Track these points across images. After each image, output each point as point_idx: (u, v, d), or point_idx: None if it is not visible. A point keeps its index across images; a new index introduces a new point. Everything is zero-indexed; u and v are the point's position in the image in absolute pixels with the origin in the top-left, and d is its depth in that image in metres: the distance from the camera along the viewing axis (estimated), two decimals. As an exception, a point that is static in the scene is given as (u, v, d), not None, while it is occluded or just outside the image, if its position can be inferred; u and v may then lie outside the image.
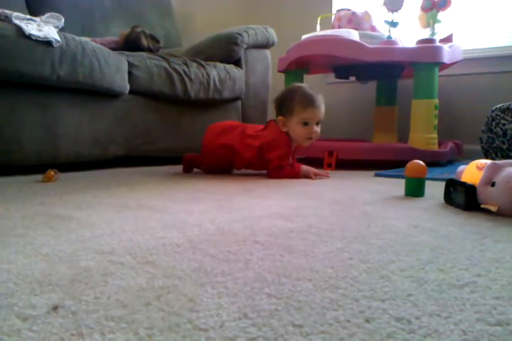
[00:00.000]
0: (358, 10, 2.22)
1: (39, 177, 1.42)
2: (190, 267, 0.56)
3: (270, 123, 1.63)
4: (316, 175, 1.55)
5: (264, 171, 1.63)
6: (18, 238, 0.70)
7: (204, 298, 0.47)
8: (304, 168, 1.57)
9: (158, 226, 0.79)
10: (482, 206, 0.95)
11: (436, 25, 2.03)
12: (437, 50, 1.89)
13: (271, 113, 2.46)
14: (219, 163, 1.72)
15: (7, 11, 1.59)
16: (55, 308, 0.44)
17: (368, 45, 1.89)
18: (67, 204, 1.00)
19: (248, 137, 1.61)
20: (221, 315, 0.42)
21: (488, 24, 2.39)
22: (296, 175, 1.55)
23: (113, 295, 0.47)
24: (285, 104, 1.58)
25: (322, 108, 1.57)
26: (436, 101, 1.93)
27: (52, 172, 1.40)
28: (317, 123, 1.56)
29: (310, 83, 2.43)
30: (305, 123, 1.54)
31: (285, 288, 0.49)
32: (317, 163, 1.83)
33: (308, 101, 1.54)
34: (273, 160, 1.57)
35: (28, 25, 1.52)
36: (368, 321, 0.41)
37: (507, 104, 1.73)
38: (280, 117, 1.58)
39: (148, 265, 0.57)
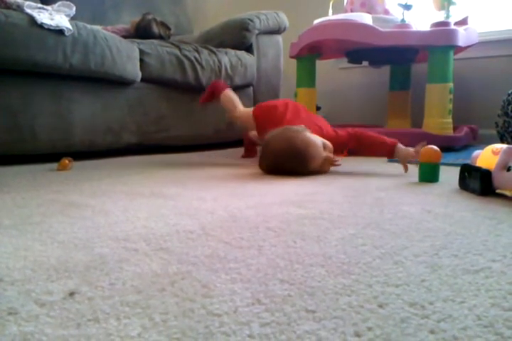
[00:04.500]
0: (371, -7, 2.18)
1: (53, 165, 1.43)
2: (203, 253, 0.57)
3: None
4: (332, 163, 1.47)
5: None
6: (35, 225, 0.71)
7: (218, 283, 0.47)
8: None
9: (172, 213, 0.80)
10: (498, 191, 0.94)
11: (451, 8, 1.98)
12: (452, 33, 1.85)
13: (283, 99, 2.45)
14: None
15: (19, 0, 1.59)
16: (72, 294, 0.44)
17: (381, 29, 1.86)
18: (82, 192, 1.01)
19: None
20: (235, 301, 0.43)
21: (504, 6, 2.33)
22: None
23: (128, 281, 0.48)
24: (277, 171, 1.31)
25: (311, 156, 1.27)
26: (451, 85, 1.90)
27: (67, 161, 1.42)
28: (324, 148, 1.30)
29: (322, 68, 2.41)
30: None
31: (298, 274, 0.49)
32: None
33: (302, 165, 1.27)
34: None
35: (40, 14, 1.53)
36: (381, 306, 0.41)
37: (524, 87, 1.69)
38: None
39: (163, 251, 0.58)
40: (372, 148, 1.41)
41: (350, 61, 2.32)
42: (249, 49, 2.32)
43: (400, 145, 1.34)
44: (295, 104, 1.64)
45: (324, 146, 1.31)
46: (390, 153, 1.37)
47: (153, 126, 1.95)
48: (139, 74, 1.85)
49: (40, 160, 1.60)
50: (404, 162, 1.32)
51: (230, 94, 1.70)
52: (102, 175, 1.29)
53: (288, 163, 1.28)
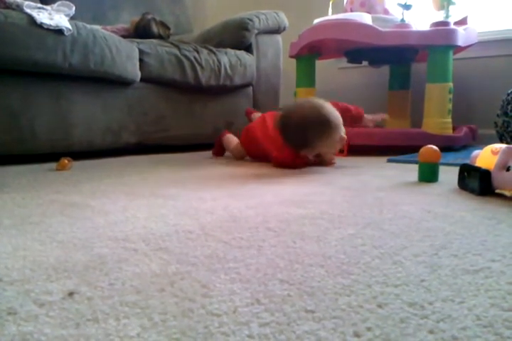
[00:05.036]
0: (371, -7, 2.18)
1: (53, 165, 1.43)
2: (203, 253, 0.57)
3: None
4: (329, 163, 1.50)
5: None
6: (34, 225, 0.71)
7: (217, 283, 0.47)
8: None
9: (171, 213, 0.80)
10: (497, 191, 0.94)
11: (451, 8, 1.98)
12: (452, 33, 1.85)
13: (282, 99, 2.45)
14: None
15: (18, 0, 1.59)
16: (71, 294, 0.44)
17: (380, 29, 1.86)
18: (82, 192, 1.01)
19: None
20: (234, 301, 0.43)
21: (504, 5, 2.33)
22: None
23: (127, 281, 0.48)
24: (299, 141, 1.36)
25: (337, 125, 1.33)
26: (450, 85, 1.90)
27: (66, 161, 1.42)
28: None
29: (322, 68, 2.41)
30: None
31: (297, 274, 0.49)
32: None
33: (327, 134, 1.32)
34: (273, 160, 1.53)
35: (40, 13, 1.52)
36: (380, 306, 0.41)
37: (523, 87, 1.69)
38: (300, 154, 1.42)
39: (162, 251, 0.58)
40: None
41: (350, 61, 2.32)
42: (248, 49, 2.32)
43: (367, 115, 1.69)
44: (270, 113, 1.70)
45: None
46: (358, 120, 1.66)
47: (152, 126, 1.95)
48: (139, 74, 1.85)
49: (40, 160, 1.60)
50: (370, 124, 1.70)
51: (228, 136, 1.83)
52: (102, 175, 1.29)
53: (314, 129, 1.31)
